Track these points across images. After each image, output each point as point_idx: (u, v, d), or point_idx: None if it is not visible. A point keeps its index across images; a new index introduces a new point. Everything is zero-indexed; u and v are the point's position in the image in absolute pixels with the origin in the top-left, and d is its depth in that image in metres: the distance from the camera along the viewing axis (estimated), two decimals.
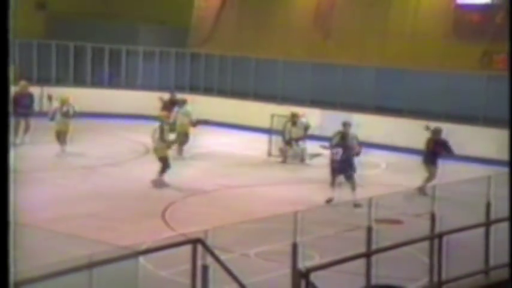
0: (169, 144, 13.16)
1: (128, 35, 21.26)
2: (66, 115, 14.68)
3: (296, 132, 15.75)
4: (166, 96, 17.43)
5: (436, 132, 13.19)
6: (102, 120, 18.70)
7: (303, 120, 16.01)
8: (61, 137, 14.69)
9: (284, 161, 15.65)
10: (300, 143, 15.79)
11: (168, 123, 13.51)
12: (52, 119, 14.86)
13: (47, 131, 15.15)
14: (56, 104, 15.16)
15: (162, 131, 12.92)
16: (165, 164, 12.75)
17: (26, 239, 6.49)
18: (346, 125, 12.87)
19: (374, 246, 6.87)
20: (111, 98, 20.21)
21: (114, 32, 21.18)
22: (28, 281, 4.41)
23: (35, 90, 19.68)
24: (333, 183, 12.05)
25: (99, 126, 17.73)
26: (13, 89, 15.22)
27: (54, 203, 11.27)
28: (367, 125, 15.66)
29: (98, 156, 15.03)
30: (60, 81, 20.85)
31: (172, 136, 13.71)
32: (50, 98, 15.64)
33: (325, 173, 14.60)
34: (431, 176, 12.67)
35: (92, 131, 16.32)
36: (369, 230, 6.90)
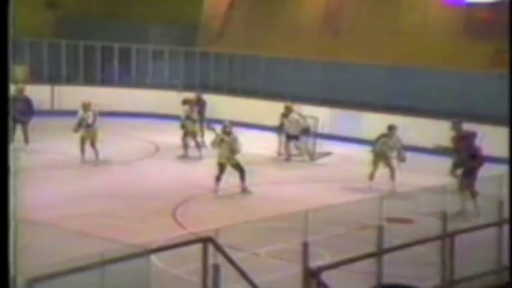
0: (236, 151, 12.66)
1: (137, 34, 21.31)
2: (88, 127, 14.26)
3: (292, 129, 15.56)
4: (190, 95, 17.32)
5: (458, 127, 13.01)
6: (111, 119, 18.73)
7: (295, 116, 15.80)
8: (85, 144, 14.24)
9: (288, 159, 15.50)
10: (301, 140, 15.51)
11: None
12: (76, 131, 14.31)
13: (56, 129, 15.21)
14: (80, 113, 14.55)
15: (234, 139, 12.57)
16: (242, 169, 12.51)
17: (38, 237, 6.52)
18: (392, 128, 13.13)
19: (385, 245, 6.84)
20: (120, 96, 20.26)
21: (123, 31, 21.24)
22: (41, 279, 4.44)
23: (45, 89, 19.81)
24: None
25: (108, 124, 17.75)
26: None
27: (65, 201, 11.33)
28: (376, 124, 15.60)
29: (108, 154, 15.06)
30: (70, 80, 20.94)
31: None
32: None
33: (335, 171, 14.63)
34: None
35: (101, 129, 16.31)
36: (380, 229, 6.88)
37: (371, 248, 6.89)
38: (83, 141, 14.28)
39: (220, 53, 20.91)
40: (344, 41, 19.36)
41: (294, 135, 15.63)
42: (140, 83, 21.29)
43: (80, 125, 14.28)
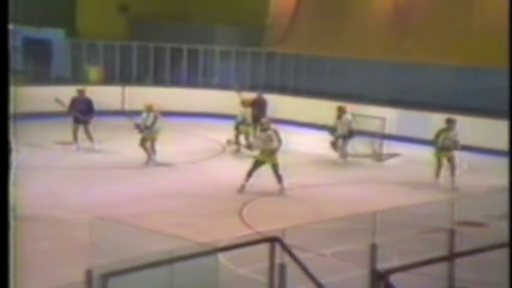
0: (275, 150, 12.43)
1: (205, 35, 21.62)
2: (147, 128, 14.36)
3: (341, 128, 15.35)
4: (250, 96, 17.40)
5: None
6: (179, 119, 19.07)
7: (348, 116, 15.53)
8: (147, 144, 14.38)
9: (343, 159, 15.24)
10: (346, 140, 15.25)
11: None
12: (141, 131, 14.39)
13: (125, 129, 15.56)
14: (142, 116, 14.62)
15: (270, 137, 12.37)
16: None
17: (110, 234, 6.71)
18: (451, 121, 13.12)
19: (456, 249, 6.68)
20: (188, 97, 20.59)
21: (192, 33, 21.60)
22: (115, 274, 4.57)
23: (116, 89, 20.37)
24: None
25: (176, 124, 18.07)
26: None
27: (133, 199, 11.58)
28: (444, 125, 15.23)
29: (176, 154, 15.33)
30: (140, 81, 21.47)
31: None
32: (58, 101, 15.18)
33: (402, 172, 14.38)
34: None
35: (169, 129, 16.61)
36: (452, 232, 6.71)
37: (440, 252, 6.74)
38: (143, 142, 14.43)
39: (287, 54, 20.93)
40: (413, 41, 19.00)
41: (343, 135, 15.38)
42: (207, 84, 21.59)
43: (139, 126, 14.43)
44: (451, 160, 13.15)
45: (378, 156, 15.53)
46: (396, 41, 19.46)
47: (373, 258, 6.38)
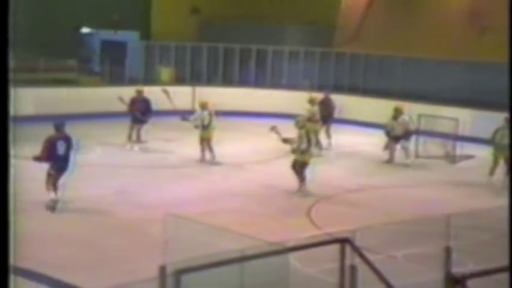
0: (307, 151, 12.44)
1: (274, 36, 21.69)
2: (205, 127, 14.36)
3: (399, 129, 14.92)
4: (318, 95, 17.28)
5: None
6: (248, 119, 19.19)
7: (405, 117, 15.08)
8: (204, 143, 14.42)
9: (390, 161, 14.88)
10: (402, 141, 14.86)
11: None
12: (196, 127, 14.43)
13: (193, 129, 15.72)
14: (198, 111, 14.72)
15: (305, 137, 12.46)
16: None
17: (183, 231, 6.82)
18: (508, 120, 12.79)
19: None
20: (257, 97, 20.69)
21: (260, 33, 21.71)
22: (188, 270, 4.64)
23: (187, 90, 20.69)
24: None
25: (245, 124, 18.21)
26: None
27: (202, 197, 11.72)
28: None
29: (244, 153, 15.43)
30: (210, 81, 21.75)
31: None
32: (165, 92, 15.78)
33: (476, 175, 13.95)
34: None
35: (238, 129, 16.80)
36: None
37: None
38: (201, 141, 14.43)
39: (356, 54, 20.70)
40: (490, 39, 18.41)
41: (398, 136, 15.00)
42: (276, 84, 21.62)
43: (196, 122, 14.45)
44: (508, 159, 12.88)
45: (451, 158, 15.12)
46: (472, 39, 18.90)
47: (447, 262, 6.20)
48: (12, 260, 3.20)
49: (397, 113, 15.09)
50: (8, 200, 2.96)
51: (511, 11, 11.75)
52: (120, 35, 21.64)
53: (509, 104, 5.53)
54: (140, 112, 15.62)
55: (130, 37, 21.98)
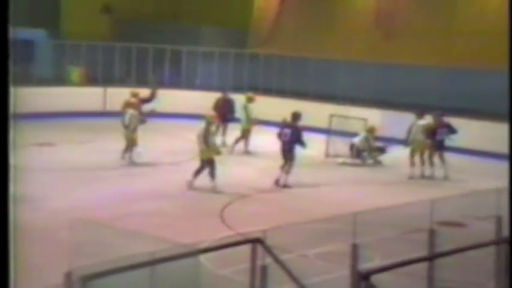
0: (214, 148, 12.73)
1: (189, 36, 21.58)
2: (126, 127, 14.54)
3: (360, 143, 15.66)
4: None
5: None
6: (162, 120, 18.98)
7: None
8: (128, 146, 14.48)
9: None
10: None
11: (213, 124, 13.28)
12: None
13: (105, 130, 15.41)
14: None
15: (207, 133, 12.68)
16: (212, 167, 12.46)
17: (92, 235, 6.66)
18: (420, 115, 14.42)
19: (436, 249, 6.71)
20: (171, 98, 20.51)
21: (175, 34, 21.54)
22: (94, 276, 4.53)
23: (98, 90, 20.22)
24: None
25: (159, 125, 17.99)
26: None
27: (114, 201, 11.51)
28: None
29: (158, 155, 15.27)
30: (123, 82, 21.34)
31: (216, 139, 13.45)
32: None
33: (385, 174, 14.46)
34: None
35: (152, 130, 16.55)
36: (432, 232, 6.74)
37: (421, 252, 6.76)
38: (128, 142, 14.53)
39: (270, 55, 20.93)
40: (396, 42, 19.10)
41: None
42: (190, 85, 21.52)
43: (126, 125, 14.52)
44: (422, 152, 14.31)
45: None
46: (380, 42, 19.54)
47: (354, 259, 6.39)
48: None
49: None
50: (8, 200, 2.80)
51: (511, 11, 12.17)
52: (27, 33, 20.85)
53: (510, 104, 5.74)
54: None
55: (37, 35, 21.22)
